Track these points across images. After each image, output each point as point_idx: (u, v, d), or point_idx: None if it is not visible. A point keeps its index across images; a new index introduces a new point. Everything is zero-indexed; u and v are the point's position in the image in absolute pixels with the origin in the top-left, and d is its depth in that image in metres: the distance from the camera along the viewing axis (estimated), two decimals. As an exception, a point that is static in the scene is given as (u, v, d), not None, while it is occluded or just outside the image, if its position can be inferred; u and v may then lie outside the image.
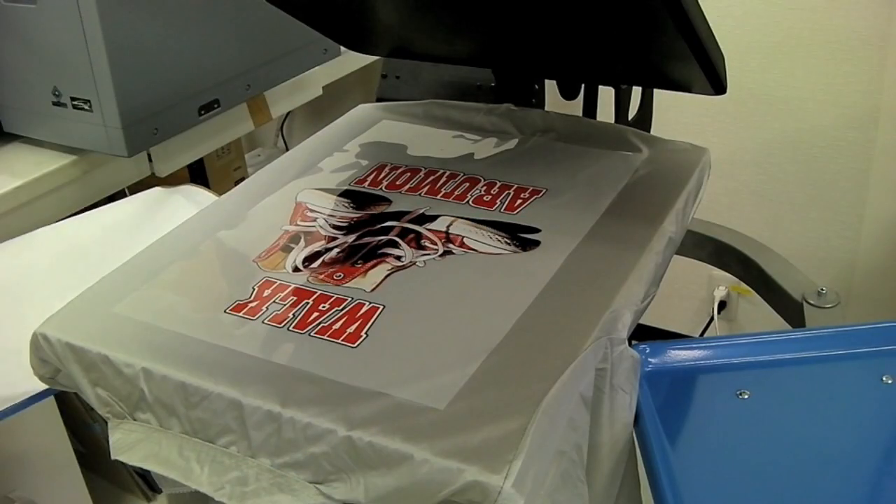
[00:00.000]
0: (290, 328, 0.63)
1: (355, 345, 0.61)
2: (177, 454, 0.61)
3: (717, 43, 0.72)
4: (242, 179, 1.24)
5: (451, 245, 0.72)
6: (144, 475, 1.31)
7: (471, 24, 0.87)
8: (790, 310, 0.86)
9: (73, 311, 0.68)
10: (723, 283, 1.72)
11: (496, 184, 0.81)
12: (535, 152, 0.88)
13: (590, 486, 0.58)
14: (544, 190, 0.79)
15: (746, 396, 0.62)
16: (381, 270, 0.69)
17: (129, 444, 0.63)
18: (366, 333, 0.62)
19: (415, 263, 0.70)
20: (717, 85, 0.77)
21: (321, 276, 0.69)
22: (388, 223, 0.76)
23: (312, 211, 0.80)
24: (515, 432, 0.51)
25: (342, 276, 0.69)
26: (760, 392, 0.63)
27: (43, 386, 0.69)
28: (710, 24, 0.69)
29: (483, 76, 1.17)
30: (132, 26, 0.99)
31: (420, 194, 0.80)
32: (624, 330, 0.61)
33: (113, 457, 0.63)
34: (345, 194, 0.82)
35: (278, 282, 0.69)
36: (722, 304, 1.75)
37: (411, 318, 0.63)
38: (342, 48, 1.29)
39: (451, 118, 0.96)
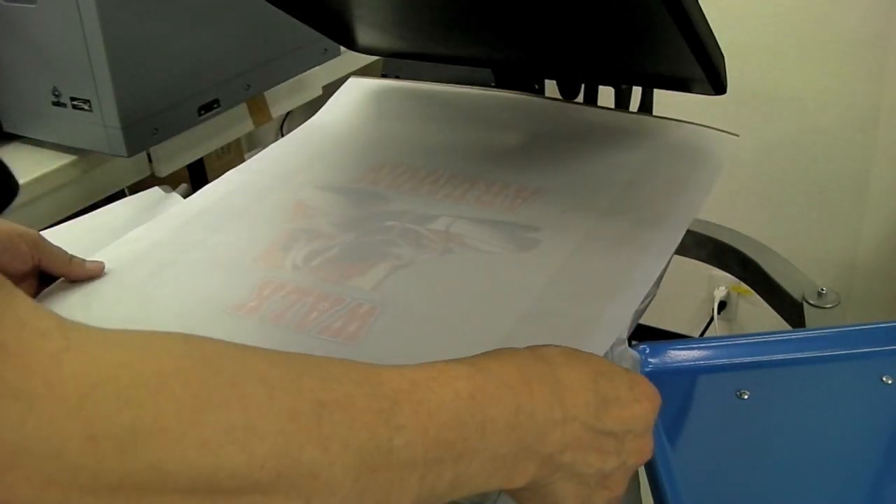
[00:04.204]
0: (290, 327, 0.63)
1: (355, 344, 0.61)
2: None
3: (717, 43, 0.71)
4: (242, 179, 1.23)
5: (451, 244, 0.72)
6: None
7: (471, 24, 0.87)
8: (790, 310, 0.86)
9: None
10: (723, 283, 1.72)
11: (496, 183, 0.81)
12: (535, 152, 0.88)
13: (590, 485, 0.58)
14: (544, 189, 0.79)
15: (746, 396, 0.62)
16: (380, 269, 0.69)
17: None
18: (366, 333, 0.62)
19: (415, 263, 0.70)
20: (717, 85, 0.77)
21: (321, 275, 0.69)
22: (389, 222, 0.76)
23: (312, 209, 0.79)
24: (515, 432, 0.51)
25: (342, 274, 0.69)
26: (760, 392, 0.63)
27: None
28: (710, 24, 0.69)
29: (483, 76, 1.16)
30: (132, 26, 0.99)
31: (420, 193, 0.80)
32: (624, 330, 0.61)
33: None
34: (344, 193, 0.82)
35: (278, 280, 0.69)
36: (722, 304, 1.75)
37: (411, 318, 0.63)
38: (342, 48, 1.29)
39: (453, 116, 0.96)
